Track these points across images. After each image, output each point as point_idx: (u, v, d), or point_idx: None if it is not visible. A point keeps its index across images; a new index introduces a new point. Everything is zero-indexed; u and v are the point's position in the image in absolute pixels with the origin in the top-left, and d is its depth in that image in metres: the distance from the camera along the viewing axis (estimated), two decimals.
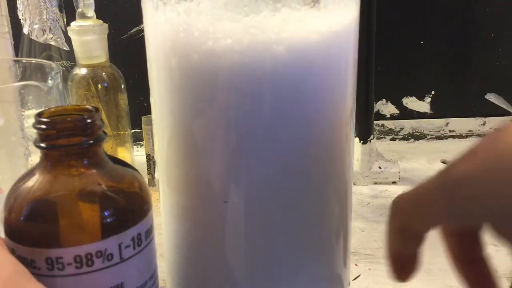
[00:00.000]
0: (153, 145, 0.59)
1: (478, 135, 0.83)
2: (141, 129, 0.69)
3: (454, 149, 0.80)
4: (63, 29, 0.68)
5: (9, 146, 0.35)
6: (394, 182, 0.66)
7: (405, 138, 0.83)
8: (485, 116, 0.83)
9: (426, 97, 0.82)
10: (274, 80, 0.25)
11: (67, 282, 0.23)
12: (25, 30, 0.66)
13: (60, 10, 0.67)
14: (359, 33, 0.29)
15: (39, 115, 0.23)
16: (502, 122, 0.23)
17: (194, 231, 0.29)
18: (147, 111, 0.40)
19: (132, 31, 0.77)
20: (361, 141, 0.65)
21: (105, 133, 0.24)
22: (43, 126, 0.23)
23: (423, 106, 0.82)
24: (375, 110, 0.81)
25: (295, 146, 0.27)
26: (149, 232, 0.26)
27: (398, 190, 0.64)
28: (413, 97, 0.82)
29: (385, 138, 0.83)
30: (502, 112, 0.82)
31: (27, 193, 0.23)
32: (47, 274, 0.23)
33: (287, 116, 0.26)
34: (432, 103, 0.82)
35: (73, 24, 0.58)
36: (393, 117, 0.83)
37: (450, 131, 0.83)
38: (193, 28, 0.25)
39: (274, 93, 0.26)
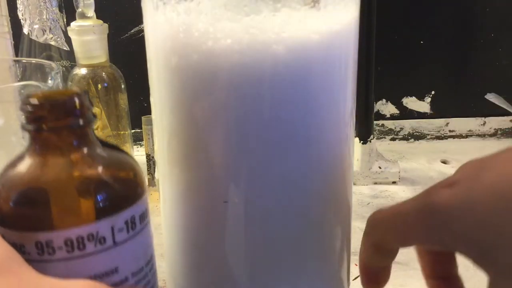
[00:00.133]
0: (153, 145, 0.59)
1: (478, 135, 0.83)
2: (141, 129, 0.69)
3: (454, 149, 0.80)
4: (63, 29, 0.68)
5: (9, 146, 0.35)
6: (394, 182, 0.66)
7: (405, 138, 0.83)
8: (485, 116, 0.83)
9: (426, 97, 0.82)
10: (274, 80, 0.25)
11: (58, 266, 0.22)
12: (25, 30, 0.66)
13: (60, 10, 0.67)
14: (359, 33, 0.29)
15: (26, 97, 0.23)
16: (481, 159, 0.23)
17: (194, 231, 0.29)
18: (147, 111, 0.40)
19: (132, 31, 0.77)
20: (361, 141, 0.65)
21: (94, 115, 0.24)
22: (31, 108, 0.22)
23: (423, 106, 0.82)
24: (375, 110, 0.81)
25: (295, 146, 0.27)
26: (143, 216, 0.25)
27: (398, 190, 0.64)
28: (413, 97, 0.82)
29: (385, 138, 0.83)
30: (502, 112, 0.82)
31: (15, 177, 0.23)
32: (38, 259, 0.22)
33: (287, 116, 0.26)
34: (432, 103, 0.82)
35: (73, 24, 0.58)
36: (393, 117, 0.83)
37: (450, 131, 0.83)
38: (193, 28, 0.25)
39: (274, 93, 0.26)
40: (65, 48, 0.68)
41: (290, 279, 0.29)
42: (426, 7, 0.78)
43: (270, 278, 0.29)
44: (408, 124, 0.82)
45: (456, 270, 0.28)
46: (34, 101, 0.22)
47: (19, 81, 0.49)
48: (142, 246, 0.25)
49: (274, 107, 0.26)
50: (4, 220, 0.22)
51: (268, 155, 0.27)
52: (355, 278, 0.44)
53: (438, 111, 0.82)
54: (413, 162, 0.74)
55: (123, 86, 0.60)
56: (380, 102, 0.82)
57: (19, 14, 0.65)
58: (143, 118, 0.67)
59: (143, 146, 0.72)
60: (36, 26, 0.65)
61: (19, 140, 0.36)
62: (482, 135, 0.83)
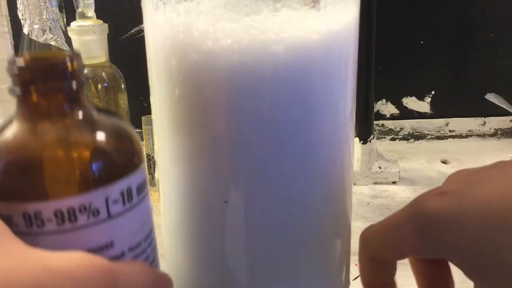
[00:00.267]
0: (153, 145, 0.60)
1: (478, 135, 0.83)
2: (141, 129, 0.69)
3: (454, 149, 0.80)
4: (63, 29, 0.68)
5: None
6: (394, 182, 0.66)
7: (405, 138, 0.83)
8: (485, 116, 0.83)
9: (426, 97, 0.82)
10: (274, 80, 0.25)
11: (48, 240, 0.20)
12: (25, 30, 0.66)
13: (60, 10, 0.67)
14: (359, 33, 0.29)
15: (13, 58, 0.21)
16: (468, 171, 0.24)
17: (194, 231, 0.29)
18: (147, 111, 0.40)
19: (132, 31, 0.77)
20: (361, 141, 0.65)
21: (86, 79, 0.23)
22: (18, 70, 0.21)
23: (423, 106, 0.82)
24: (375, 110, 0.81)
25: (295, 146, 0.27)
26: (141, 187, 0.23)
27: (398, 190, 0.64)
28: (413, 97, 0.82)
29: (385, 138, 0.83)
30: (502, 112, 0.82)
31: (2, 144, 0.21)
32: (26, 232, 0.20)
33: (287, 116, 0.26)
34: (432, 103, 0.82)
35: (73, 24, 0.58)
36: (393, 117, 0.83)
37: (450, 131, 0.83)
38: (193, 28, 0.25)
39: (274, 93, 0.26)
40: (65, 48, 0.68)
41: (290, 279, 0.29)
42: (426, 7, 0.78)
43: (270, 278, 0.29)
44: (408, 124, 0.82)
45: (449, 279, 0.28)
46: (21, 62, 0.21)
47: None
48: (139, 220, 0.23)
49: (274, 107, 0.26)
50: None
51: (268, 155, 0.27)
52: (355, 278, 0.44)
53: (438, 111, 0.82)
54: (413, 162, 0.74)
55: (123, 86, 0.60)
56: (380, 102, 0.82)
57: (19, 14, 0.65)
58: (143, 118, 0.67)
59: (143, 146, 0.72)
60: (36, 26, 0.65)
61: None
62: (482, 135, 0.83)
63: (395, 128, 0.82)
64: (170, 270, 0.32)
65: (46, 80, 0.21)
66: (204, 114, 0.27)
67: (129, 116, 0.63)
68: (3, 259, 0.18)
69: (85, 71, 0.58)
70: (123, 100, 0.61)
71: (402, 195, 0.63)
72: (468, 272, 0.22)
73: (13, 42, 0.63)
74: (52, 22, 0.66)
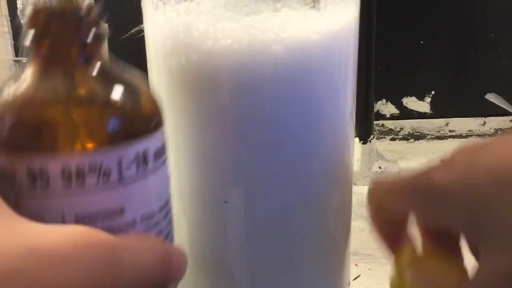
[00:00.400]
0: None
1: (478, 135, 0.83)
2: None
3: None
4: None
5: None
6: None
7: (405, 138, 0.83)
8: (485, 116, 0.83)
9: (426, 97, 0.82)
10: (274, 80, 0.25)
11: (53, 203, 0.19)
12: None
13: None
14: (359, 33, 0.29)
15: (27, 3, 0.20)
16: (479, 140, 0.24)
17: (194, 231, 0.29)
18: None
19: (132, 31, 0.77)
20: (361, 141, 0.65)
21: (104, 32, 0.21)
22: (34, 13, 0.19)
23: (423, 106, 0.82)
24: (375, 110, 0.81)
25: (295, 146, 0.27)
26: (159, 152, 0.21)
27: None
28: (413, 97, 0.82)
29: (385, 138, 0.83)
30: (502, 112, 0.82)
31: (12, 92, 0.20)
32: (30, 194, 0.19)
33: (287, 116, 0.26)
34: (432, 103, 0.82)
35: None
36: (393, 117, 0.83)
37: (450, 131, 0.83)
38: (193, 28, 0.25)
39: (274, 93, 0.26)
40: None
41: (290, 279, 0.29)
42: (426, 7, 0.78)
43: (270, 278, 0.29)
44: (408, 124, 0.82)
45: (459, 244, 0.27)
46: (37, 6, 0.19)
47: None
48: (155, 188, 0.21)
49: (274, 107, 0.26)
50: None
51: (268, 154, 0.27)
52: (355, 278, 0.44)
53: (438, 111, 0.82)
54: (413, 162, 0.74)
55: None
56: (380, 102, 0.82)
57: (19, 14, 0.65)
58: None
59: None
60: None
61: None
62: (482, 135, 0.83)
63: (395, 128, 0.82)
64: None
65: (62, 26, 0.20)
66: (204, 114, 0.27)
67: None
68: None
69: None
70: None
71: None
72: (472, 235, 0.23)
73: (13, 42, 0.63)
74: None
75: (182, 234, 0.30)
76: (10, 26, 0.61)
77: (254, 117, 0.26)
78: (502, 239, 0.21)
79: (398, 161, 0.68)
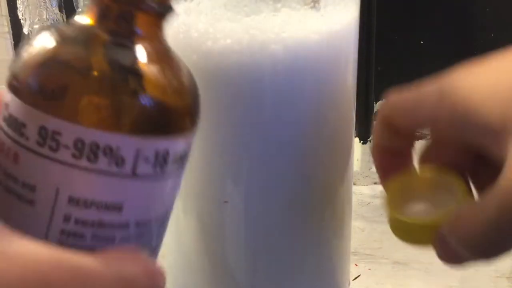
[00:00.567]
0: None
1: None
2: None
3: None
4: None
5: None
6: None
7: None
8: None
9: None
10: (274, 80, 0.25)
11: (54, 170, 0.17)
12: (25, 30, 0.66)
13: (60, 10, 0.67)
14: (359, 33, 0.29)
15: None
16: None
17: (194, 231, 0.29)
18: None
19: None
20: (361, 141, 0.65)
21: (171, 8, 0.19)
22: None
23: None
24: (375, 110, 0.81)
25: (295, 146, 0.27)
26: (180, 159, 0.19)
27: None
28: None
29: None
30: None
31: (50, 41, 0.18)
32: (35, 150, 0.17)
33: (286, 116, 0.26)
34: None
35: None
36: None
37: None
38: (193, 28, 0.25)
39: (273, 93, 0.26)
40: None
41: (290, 279, 0.29)
42: (426, 7, 0.78)
43: (270, 278, 0.29)
44: None
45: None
46: None
47: None
48: (162, 195, 0.19)
49: (274, 107, 0.26)
50: (18, 86, 0.18)
51: (267, 154, 0.27)
52: (355, 278, 0.44)
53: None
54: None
55: None
56: (380, 102, 0.82)
57: (19, 14, 0.65)
58: None
59: None
60: (36, 26, 0.65)
61: None
62: None
63: None
64: (170, 270, 0.32)
65: None
66: (204, 114, 0.27)
67: None
68: None
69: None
70: None
71: None
72: (494, 144, 0.21)
73: (13, 42, 0.63)
74: (52, 22, 0.66)
75: (182, 234, 0.30)
76: (10, 26, 0.61)
77: (254, 117, 0.26)
78: None
79: None
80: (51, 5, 0.65)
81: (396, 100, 0.25)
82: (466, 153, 0.25)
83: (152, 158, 0.18)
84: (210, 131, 0.27)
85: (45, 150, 0.17)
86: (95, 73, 0.18)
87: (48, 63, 0.18)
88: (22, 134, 0.17)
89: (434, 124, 0.24)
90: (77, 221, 0.17)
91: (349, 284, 0.34)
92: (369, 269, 0.46)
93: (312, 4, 0.25)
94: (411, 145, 0.27)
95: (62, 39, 0.18)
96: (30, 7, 0.64)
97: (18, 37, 0.64)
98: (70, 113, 0.17)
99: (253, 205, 0.28)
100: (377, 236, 0.50)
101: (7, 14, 0.60)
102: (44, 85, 0.17)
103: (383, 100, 0.26)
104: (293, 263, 0.29)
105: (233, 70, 0.25)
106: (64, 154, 0.17)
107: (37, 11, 0.64)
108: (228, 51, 0.25)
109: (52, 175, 0.17)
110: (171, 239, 0.31)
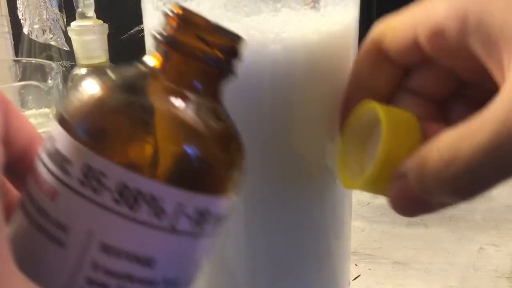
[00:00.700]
0: None
1: None
2: None
3: None
4: (63, 29, 0.68)
5: None
6: None
7: None
8: None
9: None
10: (273, 80, 0.25)
11: (93, 212, 0.16)
12: (25, 30, 0.66)
13: (60, 10, 0.67)
14: (359, 33, 0.29)
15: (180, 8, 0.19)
16: None
17: None
18: None
19: (132, 31, 0.77)
20: None
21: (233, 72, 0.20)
22: (193, 19, 0.18)
23: None
24: None
25: (295, 146, 0.27)
26: (219, 220, 0.19)
27: None
28: None
29: None
30: None
31: (107, 79, 0.18)
32: (76, 189, 0.16)
33: (286, 117, 0.26)
34: None
35: (73, 24, 0.58)
36: None
37: None
38: None
39: (272, 93, 0.26)
40: (65, 48, 0.68)
41: (290, 279, 0.29)
42: None
43: (270, 278, 0.29)
44: None
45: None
46: (199, 16, 0.19)
47: (19, 81, 0.49)
48: (195, 254, 0.19)
49: (273, 107, 0.26)
50: (69, 122, 0.17)
51: (267, 154, 0.27)
52: (355, 278, 0.44)
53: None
54: None
55: None
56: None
57: (19, 14, 0.65)
58: None
59: None
60: (36, 26, 0.65)
61: None
62: None
63: None
64: None
65: (215, 47, 0.19)
66: None
67: None
68: None
69: (85, 71, 0.58)
70: None
71: None
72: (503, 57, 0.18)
73: (13, 42, 0.63)
74: (52, 22, 0.66)
75: None
76: (10, 26, 0.61)
77: (253, 117, 0.26)
78: None
79: None
80: (51, 5, 0.65)
81: (392, 20, 0.23)
82: (450, 80, 0.23)
83: (193, 215, 0.17)
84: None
85: (86, 190, 0.16)
86: (147, 120, 0.17)
87: (102, 103, 0.17)
88: (65, 171, 0.17)
89: (436, 38, 0.21)
90: (105, 271, 0.17)
91: (349, 284, 0.34)
92: (369, 269, 0.46)
93: (312, 4, 0.25)
94: (393, 87, 0.24)
95: (119, 82, 0.18)
96: (30, 7, 0.64)
97: (18, 37, 0.64)
98: (118, 156, 0.17)
99: (253, 205, 0.28)
100: (377, 236, 0.51)
101: (7, 14, 0.60)
102: (96, 125, 0.17)
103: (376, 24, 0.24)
104: (292, 264, 0.29)
105: None
106: (105, 197, 0.16)
107: (37, 11, 0.64)
108: None
109: (89, 217, 0.16)
110: None
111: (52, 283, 0.17)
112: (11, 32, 0.61)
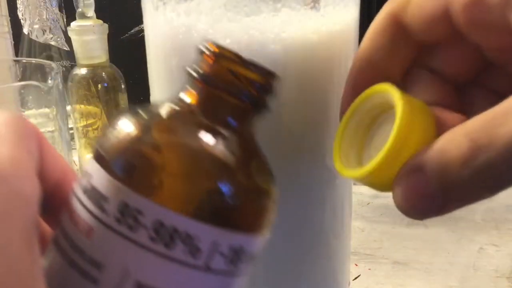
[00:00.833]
0: None
1: None
2: None
3: None
4: (63, 29, 0.68)
5: None
6: None
7: None
8: None
9: None
10: None
11: (128, 250, 0.16)
12: (25, 30, 0.66)
13: (60, 10, 0.67)
14: (359, 33, 0.29)
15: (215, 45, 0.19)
16: None
17: None
18: None
19: (132, 31, 0.77)
20: None
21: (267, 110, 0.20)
22: (228, 56, 0.19)
23: None
24: None
25: (294, 146, 0.27)
26: (252, 258, 0.19)
27: None
28: None
29: None
30: None
31: (144, 116, 0.18)
32: (112, 226, 0.16)
33: (285, 117, 0.26)
34: None
35: (73, 24, 0.58)
36: None
37: None
38: (193, 28, 0.25)
39: None
40: (65, 48, 0.68)
41: (289, 280, 0.29)
42: None
43: (270, 278, 0.29)
44: None
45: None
46: (235, 53, 0.19)
47: (19, 81, 0.49)
48: None
49: (272, 107, 0.26)
50: (106, 159, 0.17)
51: (266, 154, 0.27)
52: (355, 278, 0.44)
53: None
54: None
55: (123, 86, 0.60)
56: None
57: (19, 14, 0.65)
58: None
59: None
60: (36, 26, 0.65)
61: None
62: None
63: None
64: None
65: (251, 84, 0.19)
66: None
67: None
68: None
69: (85, 71, 0.58)
70: (123, 100, 0.61)
71: None
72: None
73: (13, 42, 0.63)
74: (52, 22, 0.66)
75: None
76: (10, 26, 0.61)
77: None
78: None
79: None
80: (51, 5, 0.65)
81: None
82: (474, 60, 0.21)
83: (227, 253, 0.17)
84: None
85: (122, 228, 0.16)
86: (183, 157, 0.18)
87: (139, 141, 0.18)
88: (101, 208, 0.17)
89: (475, 8, 0.18)
90: None
91: (349, 284, 0.34)
92: (369, 269, 0.46)
93: (312, 4, 0.25)
94: (407, 67, 0.22)
95: (155, 119, 0.19)
96: (30, 7, 0.64)
97: (18, 37, 0.64)
98: (155, 194, 0.17)
99: None
100: (377, 236, 0.51)
101: (7, 14, 0.60)
102: (133, 163, 0.17)
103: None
104: (292, 263, 0.29)
105: None
106: (142, 235, 0.16)
107: (37, 11, 0.65)
108: None
109: (124, 256, 0.16)
110: None
111: None
112: (11, 32, 0.61)
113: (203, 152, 0.18)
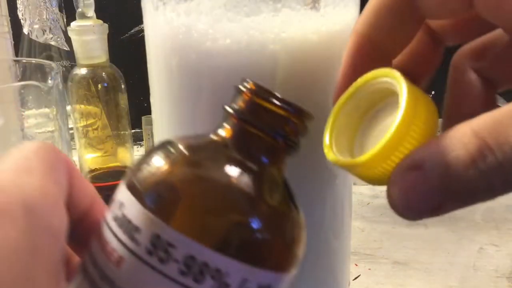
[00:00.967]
0: (153, 145, 0.60)
1: None
2: (141, 129, 0.69)
3: None
4: (63, 29, 0.68)
5: (9, 146, 0.35)
6: None
7: None
8: None
9: None
10: (273, 80, 0.25)
11: (158, 283, 0.16)
12: (25, 30, 0.66)
13: (60, 10, 0.67)
14: None
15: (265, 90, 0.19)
16: None
17: None
18: (147, 111, 0.40)
19: (132, 31, 0.77)
20: None
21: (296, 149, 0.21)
22: (265, 95, 0.19)
23: None
24: None
25: None
26: None
27: None
28: None
29: None
30: None
31: (180, 148, 0.19)
32: (143, 258, 0.16)
33: None
34: None
35: (73, 24, 0.58)
36: None
37: None
38: (193, 28, 0.25)
39: None
40: (65, 48, 0.68)
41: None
42: None
43: None
44: None
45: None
46: (273, 94, 0.19)
47: (19, 81, 0.49)
48: None
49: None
50: (140, 189, 0.18)
51: None
52: (355, 278, 0.44)
53: (438, 111, 0.82)
54: None
55: (123, 86, 0.60)
56: None
57: (19, 14, 0.65)
58: (143, 118, 0.67)
59: (143, 146, 0.72)
60: (36, 26, 0.65)
61: (19, 140, 0.36)
62: None
63: None
64: None
65: (283, 123, 0.19)
66: (204, 114, 0.27)
67: (129, 116, 0.63)
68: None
69: (85, 71, 0.58)
70: (123, 100, 0.61)
71: None
72: None
73: (13, 42, 0.63)
74: (52, 22, 0.66)
75: None
76: (10, 26, 0.61)
77: None
78: None
79: None
80: (51, 5, 0.65)
81: None
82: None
83: None
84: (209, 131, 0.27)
85: (153, 260, 0.16)
86: (216, 193, 0.18)
87: (174, 175, 0.18)
88: (133, 239, 0.17)
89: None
90: None
91: (349, 284, 0.34)
92: (369, 269, 0.46)
93: (312, 4, 0.25)
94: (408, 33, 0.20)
95: (190, 153, 0.19)
96: (30, 7, 0.64)
97: (18, 37, 0.64)
98: (188, 228, 0.17)
99: None
100: (377, 236, 0.51)
101: (7, 14, 0.60)
102: (167, 197, 0.17)
103: None
104: None
105: (232, 70, 0.25)
106: (172, 268, 0.16)
107: (37, 11, 0.65)
108: (227, 51, 0.25)
109: (153, 287, 0.16)
110: None
111: None
112: (11, 32, 0.61)
113: (233, 187, 0.18)
